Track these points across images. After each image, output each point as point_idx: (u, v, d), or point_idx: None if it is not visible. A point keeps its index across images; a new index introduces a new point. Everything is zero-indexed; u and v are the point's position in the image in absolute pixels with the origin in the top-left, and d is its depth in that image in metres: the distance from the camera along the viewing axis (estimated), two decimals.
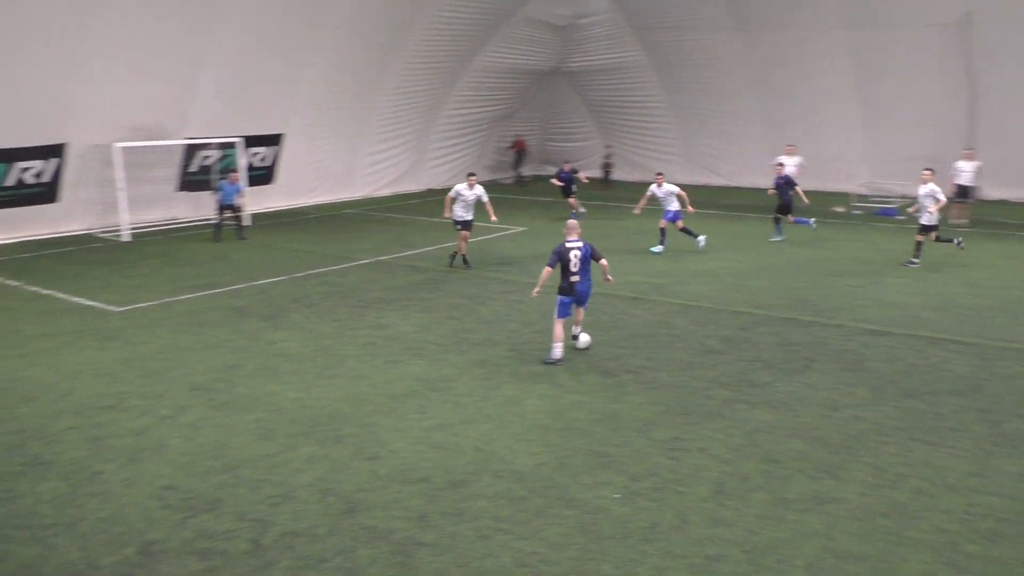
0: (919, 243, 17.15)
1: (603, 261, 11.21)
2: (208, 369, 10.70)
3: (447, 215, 17.18)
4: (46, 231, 21.09)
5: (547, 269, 11.03)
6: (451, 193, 17.04)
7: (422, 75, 28.85)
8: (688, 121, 32.70)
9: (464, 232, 16.99)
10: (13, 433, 8.64)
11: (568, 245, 11.00)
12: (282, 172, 26.30)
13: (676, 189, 19.01)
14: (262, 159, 25.51)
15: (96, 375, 10.48)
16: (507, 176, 35.39)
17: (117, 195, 20.64)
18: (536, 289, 11.32)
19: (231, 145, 23.55)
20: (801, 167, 24.74)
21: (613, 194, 30.09)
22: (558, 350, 10.91)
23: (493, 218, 17.54)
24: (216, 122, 23.27)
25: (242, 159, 23.61)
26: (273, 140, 25.45)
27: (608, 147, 33.83)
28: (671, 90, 32.51)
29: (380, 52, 26.65)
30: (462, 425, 8.85)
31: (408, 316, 13.33)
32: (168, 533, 6.64)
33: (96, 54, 19.53)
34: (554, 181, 24.93)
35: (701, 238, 19.02)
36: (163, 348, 11.64)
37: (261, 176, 25.57)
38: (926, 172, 17.29)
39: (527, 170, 35.97)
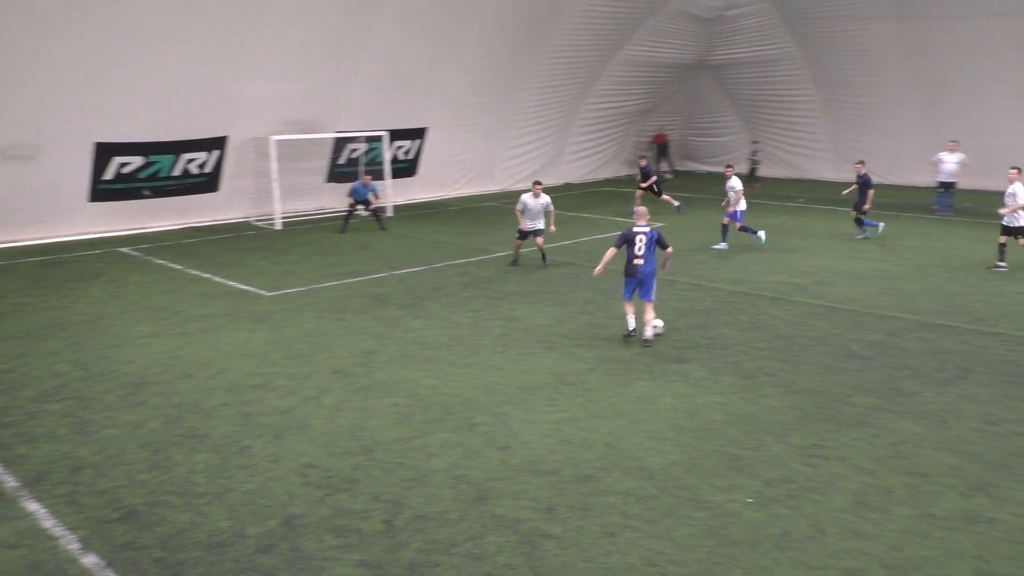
0: (1002, 245, 16.32)
1: (669, 249, 11.64)
2: (349, 354, 11.12)
3: (522, 227, 16.70)
4: (207, 219, 22.49)
5: (612, 249, 11.73)
6: (518, 206, 16.65)
7: (566, 69, 28.89)
8: (839, 116, 31.33)
9: (535, 238, 16.63)
10: (173, 407, 9.26)
11: (636, 230, 11.53)
12: (424, 165, 26.98)
13: (738, 185, 18.88)
14: (406, 152, 26.26)
15: (247, 355, 11.08)
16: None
17: (271, 185, 21.74)
18: (599, 268, 12.02)
19: (377, 138, 24.38)
20: (963, 165, 23.24)
21: (763, 191, 29.17)
22: (631, 321, 11.67)
23: (552, 228, 17.16)
24: (365, 116, 24.14)
25: (387, 152, 24.39)
26: (417, 134, 26.13)
27: (755, 143, 32.82)
28: (822, 83, 31.22)
29: (525, 47, 26.86)
30: (592, 420, 8.82)
31: (542, 309, 13.41)
32: (308, 508, 6.95)
33: (259, 51, 20.61)
34: (643, 185, 23.86)
35: (760, 233, 18.80)
36: (308, 332, 12.18)
37: (404, 169, 26.32)
38: (1012, 171, 16.07)
39: (664, 166, 35.46)
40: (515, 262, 16.94)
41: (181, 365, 10.68)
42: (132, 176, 20.40)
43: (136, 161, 20.27)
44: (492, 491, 7.22)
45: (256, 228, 21.94)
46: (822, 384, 9.87)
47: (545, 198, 16.61)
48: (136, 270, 16.53)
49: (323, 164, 24.27)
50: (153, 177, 20.79)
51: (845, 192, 21.07)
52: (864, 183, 19.83)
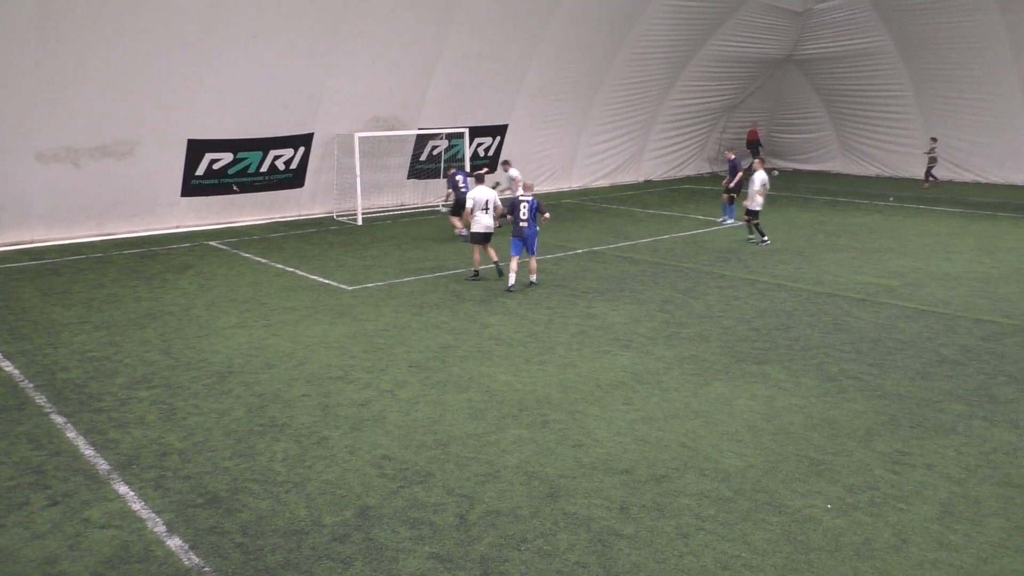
0: None
1: (546, 215, 14.40)
2: (426, 348, 11.23)
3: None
4: (291, 214, 23.04)
5: (493, 214, 14.80)
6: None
7: (648, 65, 28.57)
8: (934, 112, 30.16)
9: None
10: (255, 396, 9.51)
11: (520, 198, 14.38)
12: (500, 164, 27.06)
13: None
14: (486, 149, 26.39)
15: (327, 348, 11.31)
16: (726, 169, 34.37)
17: (354, 182, 22.15)
18: (461, 222, 14.02)
19: (458, 135, 24.58)
20: None
21: (851, 189, 28.32)
22: (512, 278, 14.34)
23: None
24: (446, 113, 24.36)
25: (467, 149, 24.56)
26: (498, 131, 26.23)
27: (933, 140, 29.69)
28: (918, 78, 30.11)
29: (607, 42, 26.69)
30: (668, 420, 8.71)
31: (619, 307, 13.30)
32: (383, 500, 7.05)
33: (344, 50, 21.02)
34: (731, 186, 21.73)
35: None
36: (386, 326, 12.36)
37: (484, 165, 26.44)
38: None
39: (746, 163, 34.76)
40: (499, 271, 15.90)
41: (264, 356, 10.97)
42: (222, 172, 21.06)
43: (226, 157, 20.91)
44: (564, 488, 7.20)
45: (338, 223, 22.37)
46: (910, 389, 9.52)
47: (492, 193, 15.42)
48: (224, 263, 17.05)
49: (404, 161, 24.60)
50: (242, 173, 21.41)
51: (924, 185, 20.49)
52: (733, 167, 21.22)
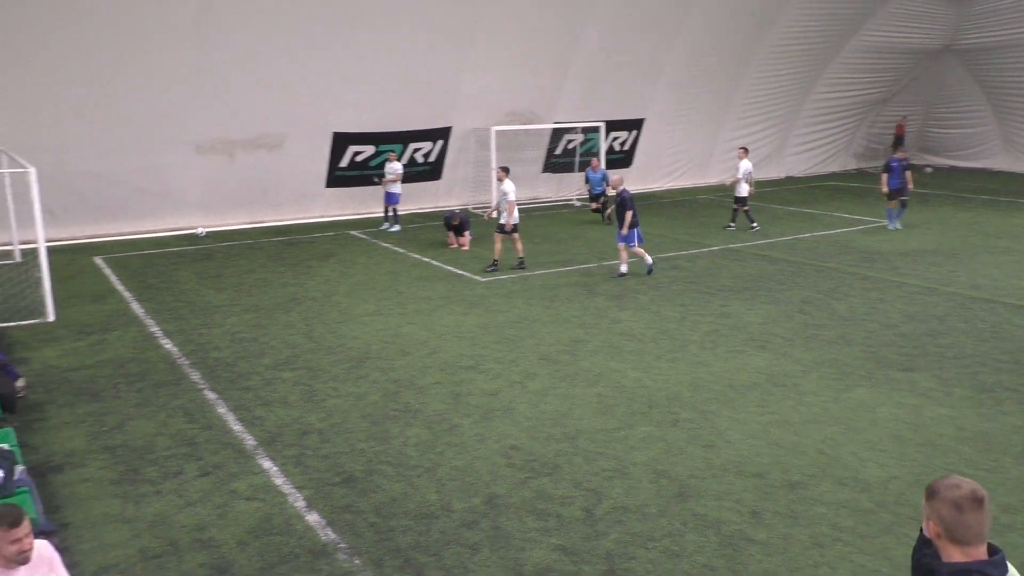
0: None
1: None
2: (556, 341, 11.26)
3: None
4: (428, 205, 23.59)
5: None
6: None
7: (792, 57, 27.54)
8: None
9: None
10: (391, 382, 9.80)
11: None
12: (639, 156, 26.79)
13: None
14: (622, 143, 26.18)
15: (460, 337, 11.52)
16: (876, 166, 32.80)
17: (489, 175, 22.43)
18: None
19: (594, 129, 24.49)
20: None
21: (1009, 187, 26.49)
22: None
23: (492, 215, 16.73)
24: (582, 107, 24.32)
25: (603, 143, 24.43)
26: (634, 124, 25.97)
27: None
28: None
29: (749, 34, 25.93)
30: (805, 424, 8.40)
31: (755, 306, 12.93)
32: (510, 489, 7.12)
33: (482, 45, 21.33)
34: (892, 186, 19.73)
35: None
36: (518, 318, 12.47)
37: (619, 160, 26.26)
38: None
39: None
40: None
41: (400, 343, 11.28)
42: (364, 164, 21.79)
43: (368, 150, 21.63)
44: (694, 489, 7.07)
45: (473, 215, 22.72)
46: None
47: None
48: (364, 252, 17.64)
49: (539, 155, 24.71)
50: (383, 165, 22.07)
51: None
52: (889, 167, 19.44)
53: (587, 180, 21.92)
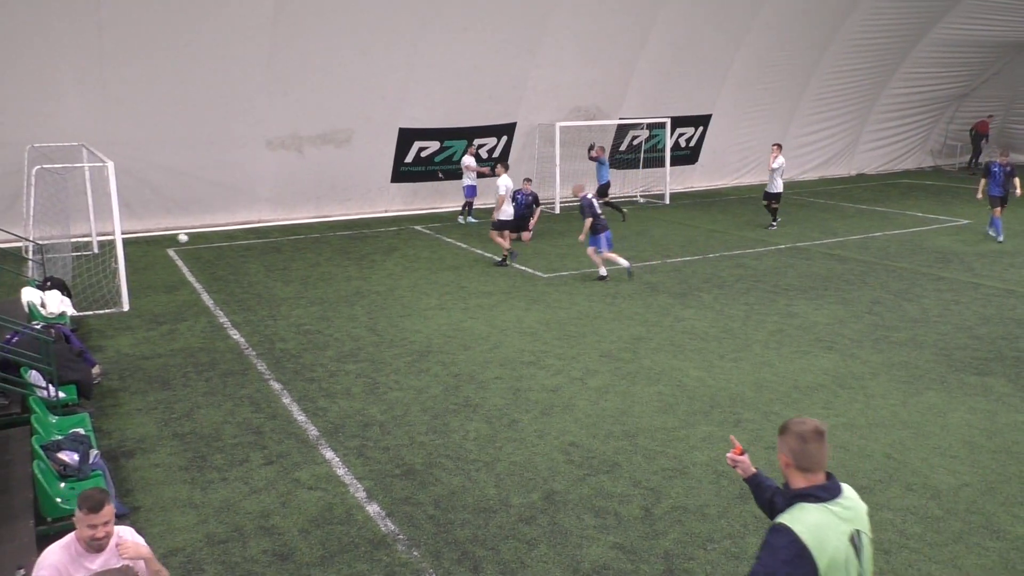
0: None
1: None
2: (617, 339, 11.20)
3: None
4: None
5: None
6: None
7: (865, 52, 26.78)
8: None
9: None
10: (452, 376, 9.87)
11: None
12: (706, 153, 26.42)
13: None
14: (687, 140, 25.86)
15: (521, 333, 11.54)
16: (953, 163, 31.80)
17: (554, 171, 22.39)
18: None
19: (660, 125, 24.24)
20: None
21: None
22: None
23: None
24: (648, 103, 24.09)
25: (668, 139, 24.17)
26: (701, 121, 25.62)
27: None
28: None
29: (820, 28, 25.31)
30: (872, 428, 8.19)
31: (822, 306, 12.65)
32: (569, 486, 7.11)
33: (547, 40, 21.27)
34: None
35: None
36: (579, 315, 12.43)
37: (685, 156, 25.95)
38: None
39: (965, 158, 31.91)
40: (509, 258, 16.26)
41: (461, 338, 11.35)
42: (429, 160, 21.96)
43: (433, 145, 21.78)
44: None
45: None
46: None
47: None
48: (427, 247, 17.79)
49: (605, 150, 24.54)
50: (447, 161, 22.23)
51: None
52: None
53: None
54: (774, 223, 19.54)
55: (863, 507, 3.41)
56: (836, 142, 28.83)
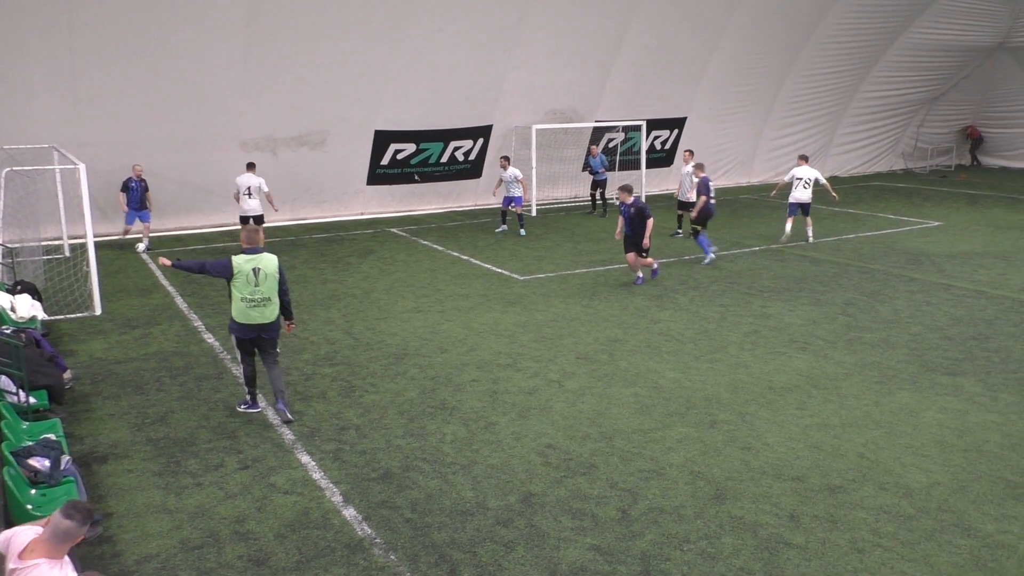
0: None
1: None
2: (594, 340, 11.23)
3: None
4: (468, 203, 23.64)
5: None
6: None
7: (839, 55, 27.06)
8: None
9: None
10: (428, 379, 9.85)
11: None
12: (681, 155, 26.55)
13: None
14: (663, 142, 26.00)
15: (498, 335, 11.54)
16: (924, 166, 32.21)
17: (530, 173, 22.42)
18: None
19: (635, 128, 24.35)
20: None
21: None
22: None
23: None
24: (624, 105, 24.19)
25: (644, 142, 24.28)
26: (676, 123, 25.77)
27: None
28: None
29: (795, 31, 25.54)
30: (845, 428, 8.28)
31: (796, 308, 12.76)
32: (546, 488, 7.12)
33: (523, 43, 21.28)
34: None
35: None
36: (556, 317, 12.45)
37: (661, 159, 26.08)
38: None
39: (954, 159, 32.34)
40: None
41: (438, 340, 11.33)
42: (405, 162, 21.91)
43: (409, 148, 21.74)
44: (731, 491, 7.00)
45: (514, 214, 22.71)
46: None
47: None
48: (403, 249, 17.75)
49: (580, 153, 24.62)
50: (423, 163, 22.19)
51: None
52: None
53: (588, 166, 21.85)
54: (679, 231, 19.29)
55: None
56: (810, 145, 29.09)
